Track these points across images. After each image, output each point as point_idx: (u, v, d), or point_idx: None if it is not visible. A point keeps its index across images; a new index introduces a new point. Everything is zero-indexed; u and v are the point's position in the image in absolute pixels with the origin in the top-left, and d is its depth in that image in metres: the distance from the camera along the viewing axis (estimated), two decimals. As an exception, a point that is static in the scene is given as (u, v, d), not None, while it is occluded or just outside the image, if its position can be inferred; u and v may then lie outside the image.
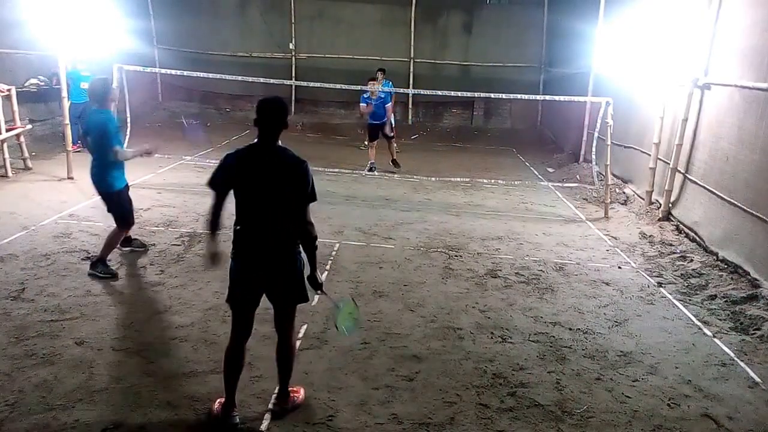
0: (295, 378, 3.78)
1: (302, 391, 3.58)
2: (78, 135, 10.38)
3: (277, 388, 3.47)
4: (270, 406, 3.46)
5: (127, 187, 5.47)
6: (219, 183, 3.27)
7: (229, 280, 3.28)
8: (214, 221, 3.30)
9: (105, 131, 5.02)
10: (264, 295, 3.29)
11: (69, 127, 8.63)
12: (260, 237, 3.18)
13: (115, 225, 5.37)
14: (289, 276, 3.25)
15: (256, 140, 3.21)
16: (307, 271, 3.34)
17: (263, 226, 3.18)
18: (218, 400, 3.41)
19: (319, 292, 3.43)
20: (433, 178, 9.95)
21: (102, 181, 5.27)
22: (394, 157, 10.74)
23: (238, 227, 3.23)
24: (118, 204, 5.36)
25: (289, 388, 3.47)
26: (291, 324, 3.38)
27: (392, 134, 10.68)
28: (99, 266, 5.17)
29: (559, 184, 10.08)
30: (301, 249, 3.27)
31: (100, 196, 5.40)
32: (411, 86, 15.18)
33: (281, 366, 3.42)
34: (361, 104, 10.53)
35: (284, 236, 3.21)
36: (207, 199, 8.26)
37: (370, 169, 10.32)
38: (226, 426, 3.28)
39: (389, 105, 10.46)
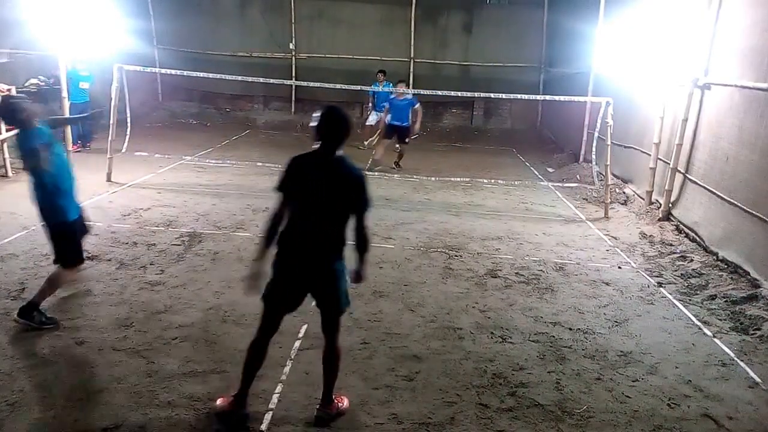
0: (295, 378, 3.79)
1: (346, 400, 3.53)
2: (78, 135, 10.41)
3: (321, 393, 3.45)
4: (315, 413, 3.41)
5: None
6: (286, 187, 3.22)
7: (270, 279, 3.25)
8: (273, 230, 3.24)
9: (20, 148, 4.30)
10: (304, 299, 3.33)
11: (69, 127, 8.63)
12: (307, 243, 3.21)
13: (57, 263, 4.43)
14: (331, 286, 3.28)
15: (318, 147, 3.20)
16: (348, 270, 3.37)
17: (312, 233, 3.20)
18: (221, 398, 3.42)
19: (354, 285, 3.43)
20: (433, 178, 9.95)
21: (51, 211, 4.34)
22: (399, 161, 10.74)
23: (287, 230, 3.23)
24: (64, 239, 4.42)
25: (333, 395, 3.46)
26: (336, 330, 3.39)
27: (407, 140, 10.67)
28: (35, 314, 4.23)
29: (559, 184, 10.08)
30: (344, 262, 3.31)
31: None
32: (411, 86, 15.16)
33: (327, 370, 3.42)
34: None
35: (330, 245, 3.24)
36: (207, 199, 8.25)
37: (372, 168, 10.30)
38: (237, 417, 3.31)
39: (418, 108, 10.50)
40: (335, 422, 3.39)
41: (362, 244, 3.30)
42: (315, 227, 3.19)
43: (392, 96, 10.43)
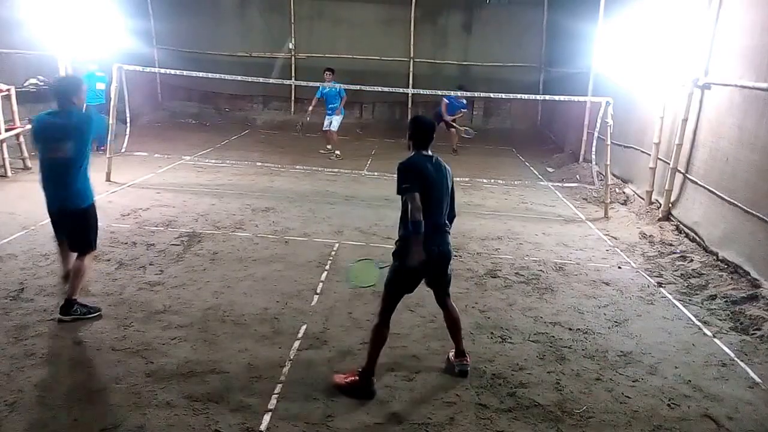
0: (294, 378, 3.79)
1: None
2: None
3: (454, 349, 4.03)
4: (456, 368, 3.94)
5: None
6: (415, 185, 3.58)
7: (399, 271, 3.64)
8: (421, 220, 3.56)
9: (100, 132, 4.36)
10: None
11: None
12: (437, 232, 3.68)
13: (82, 253, 4.44)
14: (446, 266, 3.85)
15: (420, 150, 3.75)
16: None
17: (438, 222, 3.69)
18: (343, 377, 3.71)
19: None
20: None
21: (87, 193, 4.44)
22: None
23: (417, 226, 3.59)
24: (95, 218, 4.54)
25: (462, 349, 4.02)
26: (450, 299, 4.02)
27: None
28: (76, 307, 4.35)
29: (559, 184, 10.07)
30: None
31: (71, 217, 4.38)
32: (411, 86, 15.17)
33: (452, 329, 4.01)
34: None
35: (448, 229, 3.81)
36: (206, 199, 8.26)
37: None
38: (370, 392, 3.63)
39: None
40: (336, 421, 3.39)
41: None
42: (441, 215, 3.73)
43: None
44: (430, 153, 3.77)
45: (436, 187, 3.68)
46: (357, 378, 3.67)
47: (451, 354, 4.05)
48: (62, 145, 4.22)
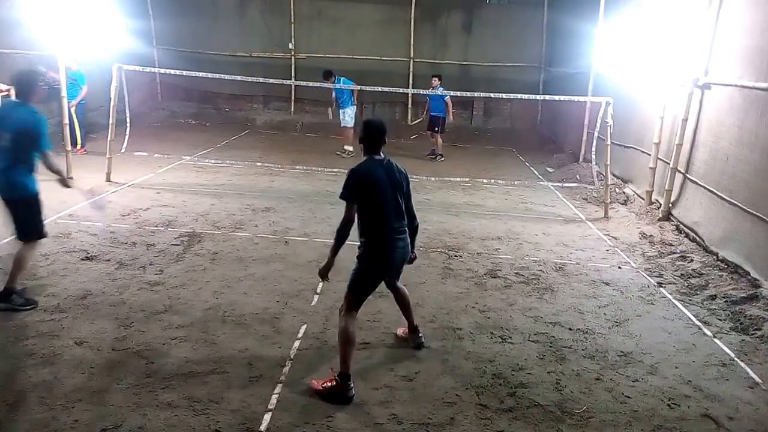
0: (294, 378, 3.79)
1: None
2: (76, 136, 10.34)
3: (407, 325, 4.31)
4: (414, 341, 4.25)
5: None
6: (354, 195, 3.69)
7: (363, 273, 3.76)
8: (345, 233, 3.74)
9: (38, 130, 4.39)
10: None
11: (68, 127, 8.62)
12: (396, 232, 3.78)
13: (22, 240, 4.53)
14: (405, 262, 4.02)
15: (372, 155, 3.78)
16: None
17: (396, 222, 3.78)
18: (320, 382, 3.65)
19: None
20: (433, 178, 9.95)
21: (17, 183, 4.41)
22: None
23: (374, 230, 3.74)
24: (38, 210, 4.55)
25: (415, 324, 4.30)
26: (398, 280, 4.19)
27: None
28: (13, 297, 4.43)
29: (559, 184, 10.07)
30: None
31: (7, 204, 4.45)
32: (411, 86, 15.16)
33: (403, 308, 4.27)
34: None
35: (405, 228, 3.88)
36: (206, 199, 8.28)
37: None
38: (348, 398, 3.59)
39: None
40: (336, 421, 3.39)
41: (415, 227, 4.01)
42: (400, 217, 3.81)
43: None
44: (381, 156, 3.79)
45: (388, 191, 3.72)
46: (334, 383, 3.61)
47: (400, 331, 4.41)
48: (3, 134, 4.36)
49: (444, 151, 12.04)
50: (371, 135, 3.78)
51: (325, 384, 3.64)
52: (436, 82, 11.48)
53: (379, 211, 3.70)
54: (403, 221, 3.82)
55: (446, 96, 11.34)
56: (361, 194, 3.66)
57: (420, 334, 4.30)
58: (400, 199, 3.79)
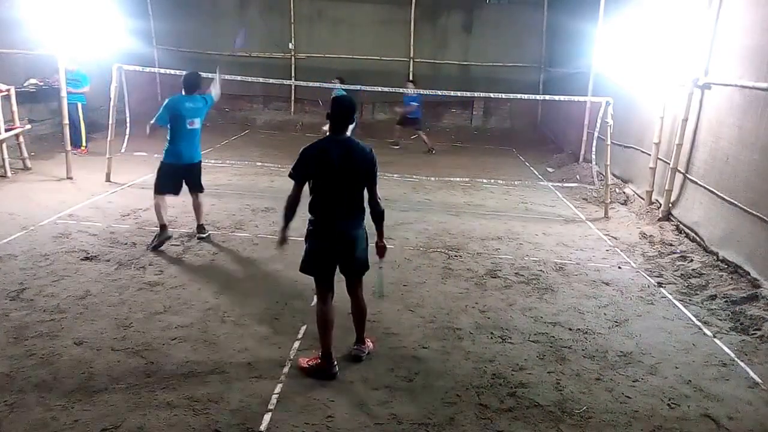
0: (294, 378, 3.79)
1: (370, 343, 4.15)
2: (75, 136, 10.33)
3: (356, 337, 4.10)
4: (352, 352, 4.05)
5: None
6: (300, 173, 3.73)
7: (308, 254, 3.80)
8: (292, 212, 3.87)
9: (205, 110, 6.39)
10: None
11: (68, 127, 8.62)
12: (341, 216, 3.71)
13: (201, 192, 6.41)
14: (360, 250, 3.85)
15: (335, 134, 3.69)
16: (372, 241, 3.94)
17: (343, 207, 3.70)
18: (306, 360, 3.86)
19: (379, 259, 3.98)
20: (433, 178, 9.95)
21: (199, 152, 6.33)
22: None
23: (319, 210, 3.73)
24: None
25: (365, 337, 4.12)
26: (361, 288, 4.01)
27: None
28: (205, 227, 6.45)
29: (559, 184, 10.07)
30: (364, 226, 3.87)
31: (193, 169, 6.23)
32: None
33: (357, 321, 4.07)
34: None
35: (357, 214, 3.78)
36: (205, 199, 8.27)
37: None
38: (331, 374, 3.77)
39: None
40: (336, 421, 3.39)
41: (379, 213, 3.84)
42: (344, 199, 3.69)
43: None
44: (345, 137, 3.67)
45: (340, 172, 3.62)
46: (319, 360, 3.82)
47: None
48: (195, 120, 6.17)
49: (444, 151, 12.07)
50: (337, 112, 3.66)
51: (310, 362, 3.86)
52: (411, 87, 12.53)
53: (325, 191, 3.66)
54: (354, 206, 3.73)
55: (420, 97, 12.44)
56: (309, 174, 3.66)
57: (363, 348, 4.06)
58: (355, 183, 3.68)
